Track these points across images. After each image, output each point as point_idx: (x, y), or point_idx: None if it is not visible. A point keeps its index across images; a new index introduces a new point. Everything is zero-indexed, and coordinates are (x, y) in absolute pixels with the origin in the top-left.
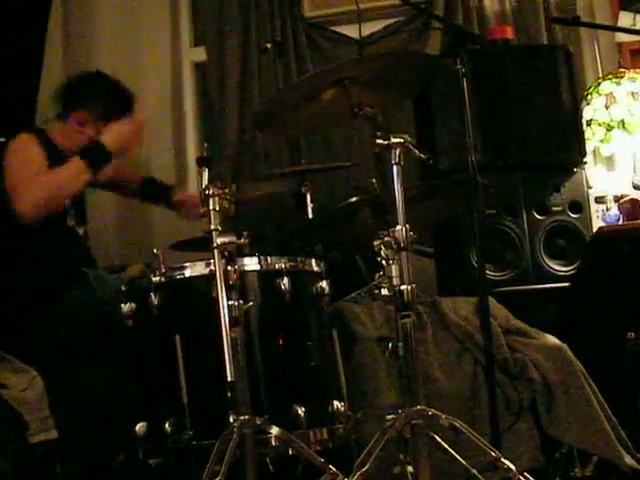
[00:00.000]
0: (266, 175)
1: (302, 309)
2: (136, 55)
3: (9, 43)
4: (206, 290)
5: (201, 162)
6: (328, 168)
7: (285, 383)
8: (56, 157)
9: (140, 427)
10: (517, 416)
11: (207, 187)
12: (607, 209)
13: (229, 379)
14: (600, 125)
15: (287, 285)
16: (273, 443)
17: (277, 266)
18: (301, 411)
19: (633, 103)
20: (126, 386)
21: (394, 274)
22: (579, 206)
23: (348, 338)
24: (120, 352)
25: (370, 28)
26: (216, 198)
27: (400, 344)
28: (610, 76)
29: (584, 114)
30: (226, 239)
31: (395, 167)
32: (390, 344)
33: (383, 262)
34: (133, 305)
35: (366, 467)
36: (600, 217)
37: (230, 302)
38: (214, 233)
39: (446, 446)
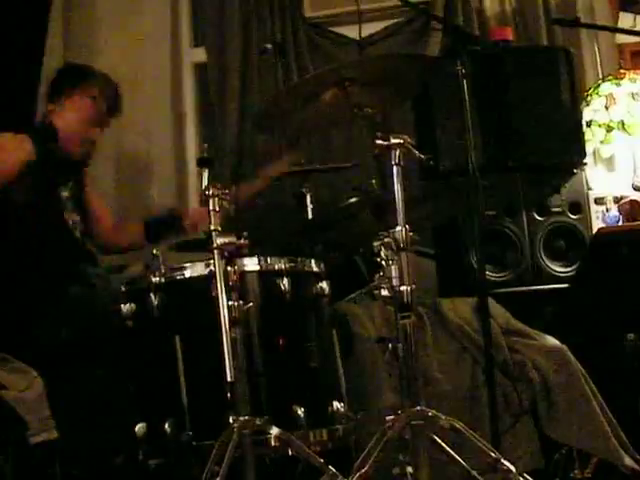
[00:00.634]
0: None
1: (302, 310)
2: (136, 55)
3: (9, 41)
4: (206, 290)
5: (201, 163)
6: (328, 169)
7: (285, 383)
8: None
9: (140, 427)
10: (517, 417)
11: (207, 188)
12: (607, 210)
13: (229, 379)
14: (600, 126)
15: (287, 285)
16: (273, 444)
17: (277, 266)
18: (301, 412)
19: (633, 104)
20: (126, 386)
21: (394, 275)
22: (579, 207)
23: (348, 339)
24: (120, 352)
25: (370, 29)
26: (216, 199)
27: (400, 345)
28: (610, 77)
29: (584, 115)
30: (226, 239)
31: (395, 168)
32: (390, 345)
33: (383, 263)
34: (133, 305)
35: (366, 468)
36: (600, 218)
37: (230, 302)
38: (214, 234)
39: (446, 447)
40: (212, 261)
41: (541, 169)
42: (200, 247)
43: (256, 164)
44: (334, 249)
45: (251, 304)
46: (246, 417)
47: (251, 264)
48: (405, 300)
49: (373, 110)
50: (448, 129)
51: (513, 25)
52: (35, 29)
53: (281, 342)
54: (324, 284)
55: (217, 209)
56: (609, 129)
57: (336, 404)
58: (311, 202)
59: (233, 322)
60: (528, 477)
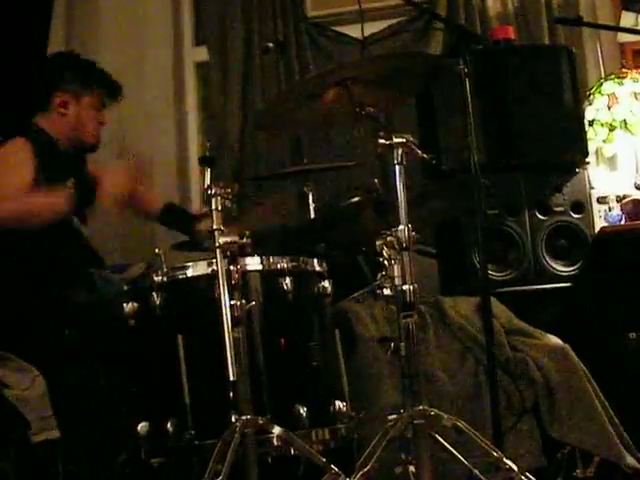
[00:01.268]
0: (268, 175)
1: (304, 309)
2: (138, 55)
3: (13, 39)
4: (208, 290)
5: (204, 161)
6: (330, 168)
7: (287, 383)
8: (52, 151)
9: (142, 427)
10: (519, 416)
11: (209, 186)
12: (609, 209)
13: (231, 379)
14: (602, 125)
15: (289, 285)
16: (275, 443)
17: (279, 266)
18: (303, 411)
19: (635, 103)
20: (128, 386)
21: (396, 274)
22: (581, 206)
23: (350, 338)
24: (122, 352)
25: (372, 28)
26: (218, 197)
27: (402, 344)
28: (612, 76)
29: (586, 114)
30: (228, 238)
31: (397, 167)
32: (392, 344)
33: (385, 262)
34: (135, 305)
35: (368, 467)
36: (602, 217)
37: (232, 302)
38: (216, 233)
39: (448, 446)
40: (214, 260)
41: (543, 168)
42: (202, 246)
43: (257, 164)
44: (336, 248)
45: (253, 303)
46: (248, 416)
47: (253, 263)
48: (407, 299)
49: (375, 109)
50: (450, 128)
51: (515, 24)
52: (37, 28)
53: (283, 341)
54: (326, 283)
55: (219, 208)
56: (611, 128)
57: (338, 403)
58: (313, 201)
59: (235, 321)
60: (530, 476)
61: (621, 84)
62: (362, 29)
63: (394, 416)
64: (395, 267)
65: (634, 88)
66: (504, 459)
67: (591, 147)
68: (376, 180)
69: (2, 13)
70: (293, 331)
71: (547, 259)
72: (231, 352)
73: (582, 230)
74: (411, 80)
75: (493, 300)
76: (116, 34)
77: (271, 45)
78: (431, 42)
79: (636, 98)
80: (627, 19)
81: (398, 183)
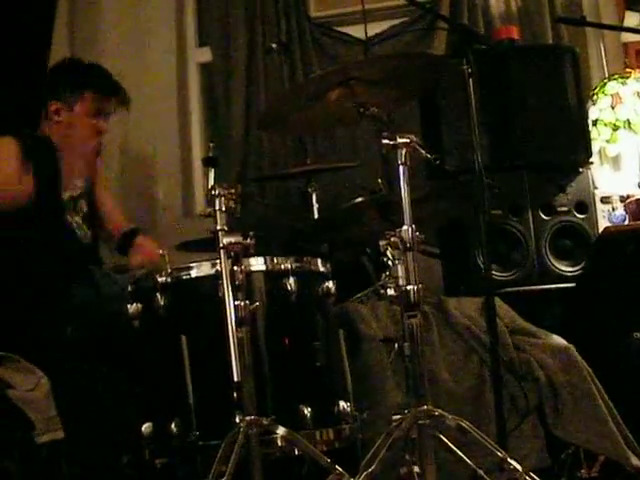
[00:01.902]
0: (272, 175)
1: (308, 309)
2: (141, 55)
3: (15, 44)
4: (212, 290)
5: (207, 162)
6: (334, 168)
7: (291, 383)
8: (48, 153)
9: (146, 427)
10: (523, 416)
11: (213, 187)
12: (613, 209)
13: (235, 379)
14: (606, 125)
15: (293, 285)
16: (279, 443)
17: (283, 266)
18: (307, 411)
19: (639, 103)
20: (132, 386)
21: (400, 274)
22: (585, 206)
23: (354, 338)
24: (126, 352)
25: (376, 28)
26: (222, 198)
27: (406, 344)
28: (616, 76)
29: (590, 114)
30: (232, 239)
31: (401, 167)
32: (396, 344)
33: (389, 262)
34: (139, 305)
35: (372, 467)
36: (606, 217)
37: (236, 302)
38: (220, 233)
39: (452, 446)
40: (218, 261)
41: (547, 168)
42: (206, 247)
43: (261, 165)
44: (340, 249)
45: (257, 304)
46: (252, 417)
47: (257, 264)
48: (411, 299)
49: (379, 109)
50: (454, 128)
51: (519, 24)
52: (41, 30)
53: (287, 342)
54: (330, 284)
55: (223, 208)
56: (615, 128)
57: (342, 403)
58: (317, 201)
59: (239, 322)
60: (534, 476)
61: (625, 84)
62: (365, 29)
63: (398, 416)
64: (399, 267)
65: (638, 88)
66: (508, 459)
67: (595, 147)
68: (380, 180)
69: (5, 16)
70: (297, 331)
71: (551, 259)
72: (235, 352)
73: (586, 230)
74: (414, 80)
75: (497, 300)
76: (119, 35)
77: (274, 46)
78: (434, 42)
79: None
80: (631, 19)
81: (402, 183)
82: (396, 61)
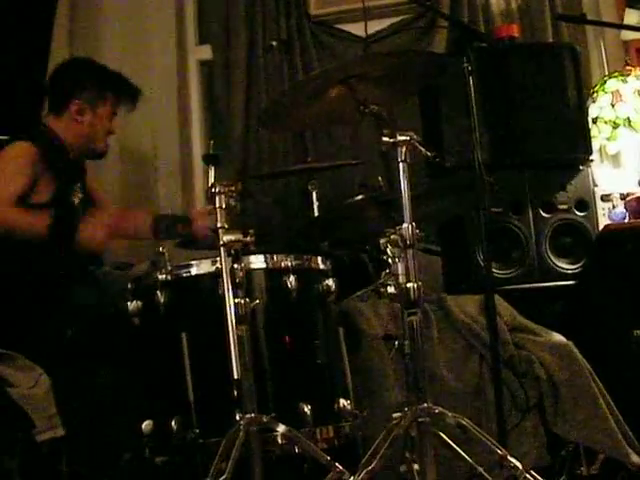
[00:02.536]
0: (272, 173)
1: (308, 307)
2: (142, 53)
3: (15, 42)
4: (212, 288)
5: (208, 160)
6: (334, 166)
7: (291, 381)
8: (60, 155)
9: (146, 425)
10: (523, 414)
11: (213, 185)
12: (613, 207)
13: (235, 377)
14: (606, 123)
15: (293, 283)
16: (279, 441)
17: (283, 264)
18: (307, 409)
19: (639, 101)
20: (132, 384)
21: (400, 272)
22: (585, 204)
23: (354, 336)
24: (126, 350)
25: (376, 26)
26: (222, 196)
27: (406, 342)
28: (616, 74)
29: (590, 112)
30: (232, 237)
31: (401, 165)
32: (396, 342)
33: (389, 260)
34: (139, 303)
35: (372, 465)
36: (606, 215)
37: (236, 300)
38: (220, 231)
39: (452, 444)
40: (218, 258)
41: (547, 166)
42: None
43: (261, 162)
44: (340, 246)
45: (257, 301)
46: (252, 414)
47: (257, 262)
48: (412, 297)
49: (379, 107)
50: (454, 126)
51: (519, 22)
52: (41, 28)
53: (287, 339)
54: (330, 281)
55: (223, 206)
56: (615, 126)
57: (342, 401)
58: (317, 199)
59: (239, 319)
60: (534, 474)
61: (625, 82)
62: (365, 27)
63: (398, 414)
64: (399, 265)
65: (638, 86)
66: (508, 457)
67: (595, 145)
68: (380, 178)
69: (5, 16)
70: (297, 329)
71: (551, 257)
72: (235, 350)
73: (586, 228)
74: (415, 78)
75: (497, 298)
76: (119, 33)
77: (275, 43)
78: (435, 40)
79: None
80: (631, 17)
81: (402, 181)
82: (396, 59)
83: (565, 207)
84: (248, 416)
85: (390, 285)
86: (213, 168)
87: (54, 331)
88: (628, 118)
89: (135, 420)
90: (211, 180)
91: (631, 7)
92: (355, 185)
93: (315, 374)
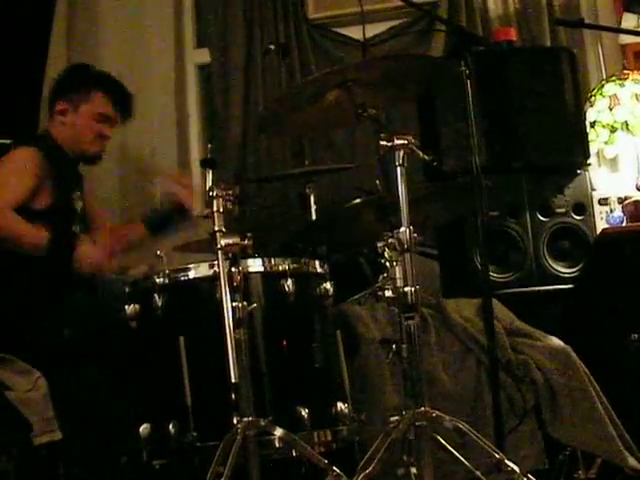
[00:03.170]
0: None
1: (306, 310)
2: (140, 57)
3: (13, 46)
4: (210, 291)
5: (205, 163)
6: (332, 169)
7: (289, 384)
8: (61, 159)
9: (144, 428)
10: (521, 418)
11: (211, 188)
12: (611, 211)
13: (233, 380)
14: (604, 127)
15: (291, 286)
16: (277, 444)
17: (281, 267)
18: (305, 412)
19: (637, 105)
20: (130, 387)
21: (398, 276)
22: (583, 208)
23: (352, 340)
24: (124, 353)
25: (374, 30)
26: (220, 199)
27: (404, 346)
28: (614, 78)
29: (588, 116)
30: (230, 240)
31: (399, 168)
32: (394, 346)
33: (387, 264)
34: (137, 307)
35: (370, 469)
36: (604, 219)
37: (234, 303)
38: (218, 234)
39: (450, 448)
40: (216, 262)
41: (545, 170)
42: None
43: (259, 166)
44: (338, 250)
45: (255, 305)
46: (250, 418)
47: (255, 265)
48: (409, 301)
49: (377, 111)
50: (452, 130)
51: (516, 26)
52: (39, 31)
53: (285, 343)
54: (328, 285)
55: (221, 210)
56: (613, 130)
57: (340, 405)
58: (315, 203)
59: (237, 323)
60: (532, 478)
61: (622, 85)
62: (364, 31)
63: (396, 418)
64: (397, 269)
65: (635, 89)
66: (506, 461)
67: (592, 149)
68: (378, 182)
69: (3, 17)
70: (295, 333)
71: (549, 260)
72: (233, 354)
73: (584, 231)
74: (412, 82)
75: (495, 302)
76: (117, 36)
77: (273, 47)
78: (432, 44)
79: (637, 99)
80: (628, 21)
81: (399, 184)
82: (394, 63)
83: (563, 211)
84: (245, 420)
85: (388, 289)
86: (211, 172)
87: (52, 335)
88: (626, 122)
89: (132, 423)
90: (209, 184)
91: (629, 11)
92: (353, 189)
93: (312, 378)
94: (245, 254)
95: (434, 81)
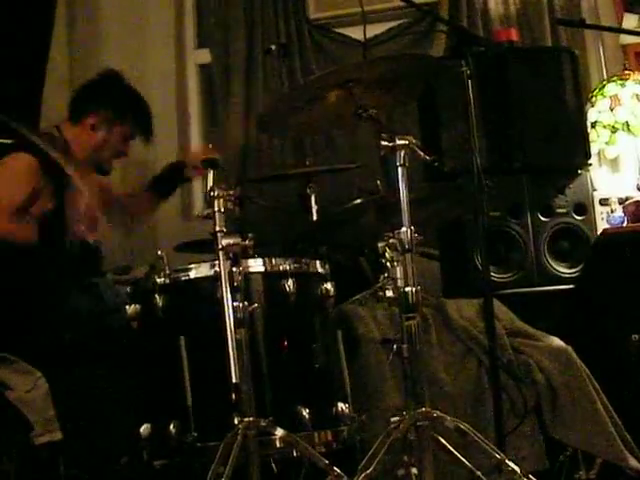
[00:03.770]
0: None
1: (306, 311)
2: (141, 57)
3: (15, 44)
4: (211, 291)
5: (206, 164)
6: (333, 170)
7: (289, 385)
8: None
9: (144, 428)
10: (521, 418)
11: (212, 188)
12: (612, 211)
13: (234, 380)
14: (605, 127)
15: (292, 287)
16: (277, 445)
17: (282, 268)
18: (305, 413)
19: (638, 105)
20: (130, 387)
21: (399, 276)
22: (584, 208)
23: (352, 340)
24: (125, 353)
25: (375, 30)
26: (221, 200)
27: (405, 346)
28: (615, 78)
29: (589, 116)
30: (231, 240)
31: (400, 169)
32: (395, 346)
33: (388, 264)
34: (138, 307)
35: (370, 469)
36: (605, 219)
37: (235, 303)
38: (219, 234)
39: (451, 448)
40: (217, 262)
41: (546, 170)
42: (205, 248)
43: (260, 166)
44: (339, 250)
45: (256, 305)
46: (251, 418)
47: (256, 265)
48: (410, 301)
49: (378, 111)
50: (453, 130)
51: (517, 26)
52: (40, 32)
53: (286, 343)
54: (329, 285)
55: (222, 210)
56: (614, 130)
57: (341, 405)
58: (315, 203)
59: (238, 323)
60: (533, 478)
61: (623, 86)
62: (364, 31)
63: (396, 418)
64: (397, 269)
65: (636, 90)
66: (506, 461)
67: (593, 149)
68: (378, 182)
69: (5, 15)
70: (295, 333)
71: (549, 261)
72: (233, 354)
73: (584, 232)
74: (413, 82)
75: (495, 302)
76: (118, 37)
77: (273, 47)
78: (433, 44)
79: (638, 100)
80: (629, 21)
81: (401, 185)
82: (395, 63)
83: (564, 211)
84: (246, 420)
85: (389, 289)
86: (212, 172)
87: (53, 335)
88: (627, 122)
89: (133, 424)
90: (210, 184)
91: (630, 11)
92: (354, 189)
93: (313, 378)
94: (246, 254)
95: (435, 81)
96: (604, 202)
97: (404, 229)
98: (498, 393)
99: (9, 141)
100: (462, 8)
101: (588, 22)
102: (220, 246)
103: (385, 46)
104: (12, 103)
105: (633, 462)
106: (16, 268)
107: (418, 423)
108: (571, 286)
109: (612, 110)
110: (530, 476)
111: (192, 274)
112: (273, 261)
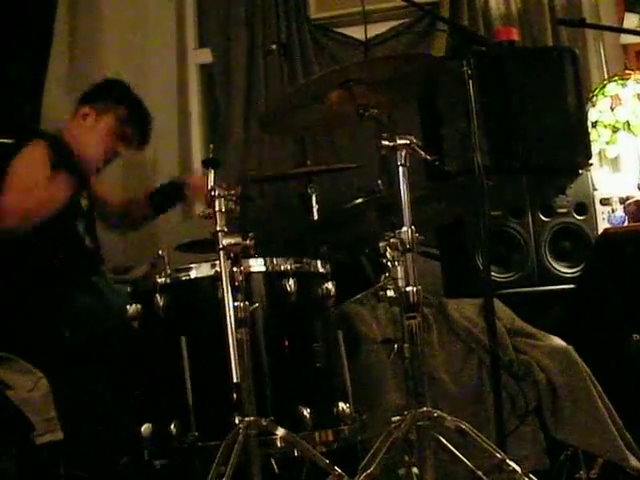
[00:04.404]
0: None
1: (307, 310)
2: (142, 57)
3: (15, 46)
4: (212, 291)
5: (207, 164)
6: (334, 169)
7: (290, 384)
8: (67, 160)
9: (145, 428)
10: (522, 418)
11: (213, 188)
12: (612, 211)
13: (234, 380)
14: (605, 127)
15: (292, 286)
16: (278, 444)
17: (282, 267)
18: (306, 412)
19: (639, 105)
20: (131, 387)
21: (400, 275)
22: (584, 208)
23: (353, 339)
24: (125, 353)
25: (376, 30)
26: (222, 199)
27: (405, 345)
28: (616, 78)
29: (589, 116)
30: (232, 240)
31: (401, 168)
32: (395, 345)
33: (388, 263)
34: (138, 306)
35: (371, 469)
36: (605, 219)
37: (235, 303)
38: (220, 234)
39: (451, 448)
40: (218, 262)
41: (547, 170)
42: (206, 248)
43: (261, 166)
44: (339, 250)
45: (257, 305)
46: (252, 418)
47: (257, 265)
48: (411, 301)
49: (379, 111)
50: (453, 130)
51: (518, 26)
52: (41, 32)
53: (286, 343)
54: (330, 285)
55: (223, 210)
56: (614, 130)
57: (342, 405)
58: (316, 203)
59: (239, 323)
60: (533, 477)
61: (624, 85)
62: (365, 31)
63: (397, 418)
64: (398, 268)
65: (637, 90)
66: (507, 461)
67: (594, 149)
68: (379, 181)
69: (5, 16)
70: (296, 332)
71: (550, 261)
72: (234, 353)
73: (585, 232)
74: (414, 82)
75: (496, 302)
76: (119, 36)
77: (274, 47)
78: (434, 44)
79: (639, 99)
80: (630, 20)
81: (401, 184)
82: (396, 62)
83: (564, 211)
84: (247, 419)
85: (389, 289)
86: (213, 172)
87: (53, 335)
88: (627, 122)
89: (134, 423)
90: (211, 184)
91: (630, 11)
92: (354, 189)
93: (314, 377)
94: (247, 254)
95: (436, 81)
96: (605, 202)
97: (405, 229)
98: (499, 392)
99: (9, 141)
100: (463, 8)
101: (589, 22)
102: (221, 246)
103: (386, 46)
104: (12, 103)
105: (634, 462)
106: (16, 268)
107: (419, 423)
108: (572, 286)
109: (613, 110)
110: (531, 476)
111: (193, 274)
112: (274, 261)
